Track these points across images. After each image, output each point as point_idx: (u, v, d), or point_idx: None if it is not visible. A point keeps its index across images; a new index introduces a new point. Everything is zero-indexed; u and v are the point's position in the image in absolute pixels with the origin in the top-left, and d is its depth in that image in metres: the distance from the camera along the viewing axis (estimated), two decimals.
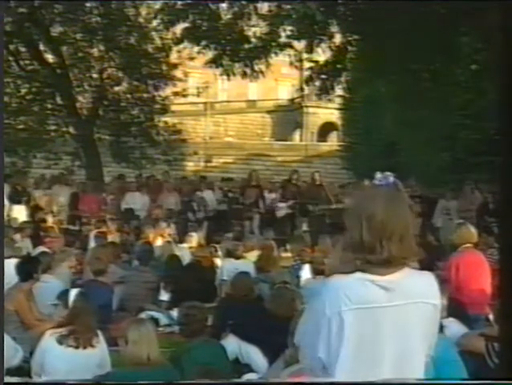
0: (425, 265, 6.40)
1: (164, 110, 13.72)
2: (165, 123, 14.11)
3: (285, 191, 9.12)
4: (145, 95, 13.19)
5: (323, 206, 8.66)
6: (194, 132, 33.57)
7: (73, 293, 3.50)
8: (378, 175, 1.52)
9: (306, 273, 5.47)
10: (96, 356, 3.20)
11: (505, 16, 2.10)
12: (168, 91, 13.98)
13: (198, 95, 15.52)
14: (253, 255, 6.15)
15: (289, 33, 10.35)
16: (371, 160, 16.22)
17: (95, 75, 12.69)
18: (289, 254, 5.87)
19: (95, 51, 12.49)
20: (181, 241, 7.14)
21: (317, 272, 5.18)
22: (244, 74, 10.68)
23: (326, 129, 33.99)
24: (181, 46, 12.03)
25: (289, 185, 9.14)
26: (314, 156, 28.45)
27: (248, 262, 5.86)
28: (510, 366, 2.04)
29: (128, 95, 13.10)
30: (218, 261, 6.17)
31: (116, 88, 13.00)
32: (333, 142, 31.68)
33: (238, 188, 9.68)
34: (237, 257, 5.92)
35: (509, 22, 2.05)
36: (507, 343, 2.08)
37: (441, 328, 3.27)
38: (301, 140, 33.82)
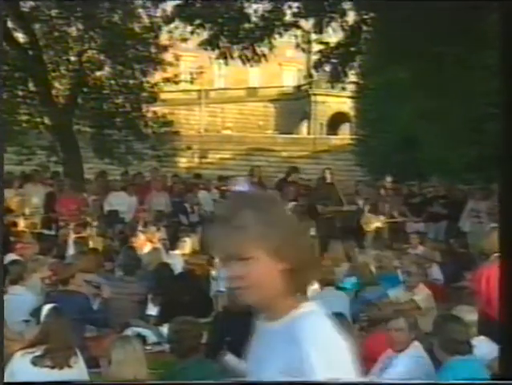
0: (451, 276, 6.44)
1: (153, 98, 13.72)
2: (154, 113, 14.12)
3: (286, 191, 9.14)
4: (131, 82, 13.17)
5: (333, 207, 8.66)
6: (187, 124, 33.65)
7: (47, 307, 3.49)
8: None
9: (313, 283, 5.45)
10: (74, 377, 3.19)
11: None
12: (157, 76, 13.96)
13: (192, 81, 15.53)
14: None
15: (295, 10, 10.32)
16: (388, 155, 16.21)
17: (73, 58, 12.61)
18: None
19: (72, 30, 12.42)
20: (173, 248, 7.14)
21: (326, 282, 5.16)
22: (244, 58, 10.65)
23: (337, 120, 34.03)
24: (172, 25, 12.01)
25: (288, 184, 9.14)
26: (323, 151, 28.46)
27: None
28: (510, 366, 2.20)
29: (112, 81, 13.08)
30: (214, 270, 6.17)
31: (98, 73, 12.96)
32: (345, 135, 31.71)
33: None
34: None
35: None
36: (507, 343, 2.27)
37: (470, 347, 3.28)
38: (308, 133, 33.87)
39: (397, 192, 10.45)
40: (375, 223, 8.57)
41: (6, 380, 3.13)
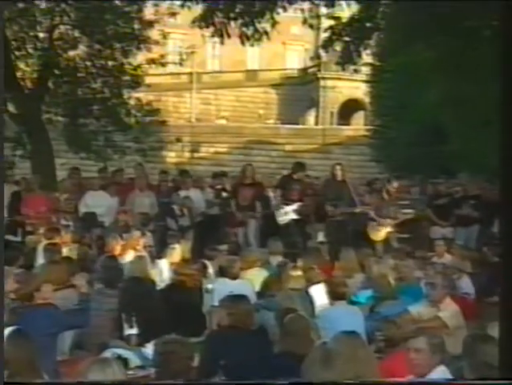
0: (483, 289, 6.46)
1: (136, 83, 13.75)
2: (138, 100, 14.15)
3: (290, 190, 9.16)
4: (110, 63, 13.15)
5: (344, 209, 8.68)
6: (176, 113, 33.72)
7: (9, 329, 3.46)
8: None
9: (322, 297, 5.50)
10: None
11: None
12: (141, 57, 13.98)
13: (181, 63, 15.51)
14: (253, 274, 6.20)
15: None
16: (410, 148, 16.23)
17: (41, 35, 12.55)
18: (299, 273, 5.90)
19: (41, 1, 12.39)
20: (160, 256, 7.17)
21: (337, 296, 5.18)
22: (242, 36, 10.60)
23: (349, 108, 34.10)
24: None
25: (292, 182, 9.17)
26: (333, 144, 28.53)
27: (247, 283, 5.91)
28: (510, 366, 2.45)
29: (88, 63, 13.06)
30: (208, 282, 6.20)
31: (71, 53, 12.90)
32: (359, 125, 31.76)
33: (234, 185, 9.73)
34: (233, 277, 5.95)
35: None
36: (507, 343, 2.53)
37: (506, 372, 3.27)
38: (316, 123, 33.91)
39: (421, 192, 10.49)
40: (393, 228, 8.60)
41: None
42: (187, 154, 28.38)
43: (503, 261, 2.96)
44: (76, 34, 12.76)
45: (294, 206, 9.01)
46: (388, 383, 3.71)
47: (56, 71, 12.76)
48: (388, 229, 8.62)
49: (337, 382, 3.18)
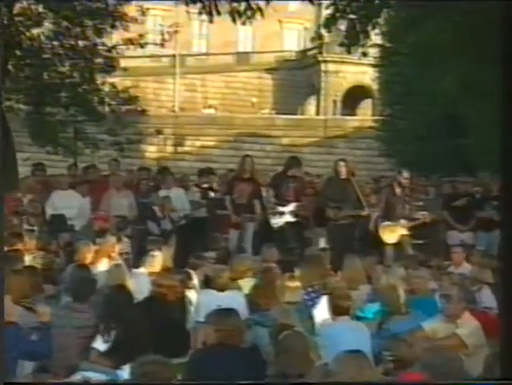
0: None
1: (111, 66, 13.73)
2: (113, 86, 14.14)
3: (285, 188, 9.19)
4: (81, 43, 13.14)
5: (349, 211, 8.73)
6: (157, 101, 33.70)
7: None
8: None
9: (323, 311, 5.51)
10: None
11: None
12: (116, 37, 13.96)
13: (163, 44, 15.50)
14: (245, 285, 6.20)
15: None
16: (423, 142, 16.27)
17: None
18: (298, 283, 5.92)
19: None
20: (137, 264, 7.17)
21: (340, 310, 5.20)
22: (233, 13, 10.57)
23: (355, 96, 34.19)
24: None
25: (288, 180, 9.19)
26: (337, 137, 28.61)
27: (237, 295, 5.92)
28: (510, 366, 2.77)
29: (55, 42, 13.02)
30: (193, 294, 6.21)
31: (35, 31, 12.84)
32: (365, 115, 31.86)
33: (224, 184, 9.74)
34: (222, 288, 5.96)
35: None
36: (507, 343, 2.84)
37: None
38: (317, 113, 34.00)
39: (436, 192, 10.53)
40: (404, 232, 8.64)
41: None
42: (169, 148, 28.37)
43: (503, 262, 3.22)
44: (40, 9, 12.70)
45: (290, 207, 9.03)
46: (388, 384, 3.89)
47: (17, 52, 12.70)
48: (399, 234, 8.65)
49: (337, 382, 3.35)
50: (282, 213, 9.05)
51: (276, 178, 9.71)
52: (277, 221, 9.02)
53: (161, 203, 9.45)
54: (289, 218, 9.03)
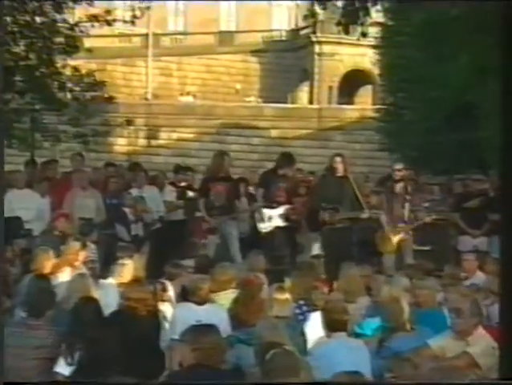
0: None
1: (74, 47, 13.67)
2: (75, 69, 14.08)
3: (275, 189, 9.21)
4: (39, 20, 13.09)
5: (346, 213, 8.78)
6: (127, 87, 33.61)
7: None
8: None
9: (316, 327, 5.52)
10: None
11: None
12: (79, 13, 13.89)
13: (133, 21, 15.46)
14: (226, 297, 6.21)
15: None
16: (431, 134, 16.32)
17: None
18: (287, 295, 5.94)
19: None
20: (105, 274, 7.16)
21: (335, 325, 5.22)
22: None
23: (353, 82, 34.29)
24: None
25: (278, 179, 9.23)
26: (333, 129, 28.70)
27: (218, 309, 5.94)
28: (510, 366, 3.10)
29: (8, 18, 12.92)
30: (168, 308, 6.22)
31: None
32: (365, 104, 31.95)
33: (204, 182, 9.74)
34: (201, 301, 5.97)
35: None
36: (507, 343, 3.20)
37: None
38: (311, 102, 34.07)
39: (446, 191, 10.58)
40: (408, 237, 8.68)
41: None
42: (141, 141, 28.33)
43: (502, 261, 3.56)
44: None
45: (280, 210, 9.06)
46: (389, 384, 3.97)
47: None
48: (403, 240, 8.70)
49: (337, 382, 3.52)
50: (271, 216, 9.07)
51: (265, 177, 9.74)
52: (265, 226, 9.04)
53: (133, 204, 9.44)
54: (279, 222, 9.05)
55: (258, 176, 10.43)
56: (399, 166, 9.10)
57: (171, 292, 6.62)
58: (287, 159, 9.62)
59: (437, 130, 16.07)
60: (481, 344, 5.03)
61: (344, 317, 5.29)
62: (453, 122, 15.47)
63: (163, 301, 6.32)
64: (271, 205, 9.12)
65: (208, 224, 9.16)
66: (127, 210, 9.45)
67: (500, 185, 3.48)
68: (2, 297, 5.51)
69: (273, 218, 9.09)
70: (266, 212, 9.10)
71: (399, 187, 8.93)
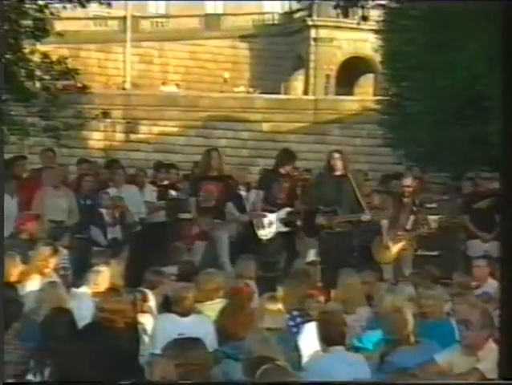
0: None
1: (43, 30, 13.62)
2: (45, 56, 14.04)
3: (276, 189, 9.21)
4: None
5: (345, 216, 8.81)
6: (103, 75, 33.54)
7: None
8: None
9: (311, 340, 5.54)
10: None
11: None
12: None
13: (109, 2, 15.47)
14: (213, 308, 6.24)
15: None
16: (439, 128, 16.35)
17: None
18: (280, 306, 5.95)
19: None
20: (78, 283, 7.17)
21: (332, 339, 5.23)
22: None
23: (353, 70, 34.34)
24: None
25: (277, 180, 9.23)
26: (331, 122, 28.73)
27: (204, 321, 5.96)
28: (510, 366, 3.39)
29: None
30: (148, 319, 6.23)
31: None
32: (366, 95, 32.00)
33: (194, 179, 9.74)
34: (185, 312, 5.98)
35: None
36: (507, 343, 3.51)
37: None
38: (306, 92, 34.10)
39: (455, 191, 10.62)
40: (415, 242, 8.71)
41: None
42: (119, 135, 28.29)
43: (502, 259, 3.77)
44: None
45: (282, 213, 9.10)
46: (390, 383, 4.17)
47: None
48: (407, 244, 8.72)
49: (337, 382, 3.66)
50: (271, 222, 9.11)
51: (265, 177, 9.75)
52: (266, 232, 9.08)
53: (110, 204, 9.44)
54: (280, 227, 9.09)
55: (248, 174, 10.44)
56: (408, 181, 9.12)
57: (152, 302, 6.62)
58: (289, 156, 9.65)
59: (445, 123, 16.09)
60: (493, 359, 5.06)
61: (342, 329, 5.32)
62: (462, 114, 15.49)
63: (143, 312, 6.33)
64: (272, 209, 9.15)
65: (197, 227, 9.14)
66: (103, 211, 9.45)
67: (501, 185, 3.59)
68: None
69: (273, 223, 9.12)
70: (267, 214, 9.13)
71: (407, 200, 9.01)
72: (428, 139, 16.96)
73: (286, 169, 9.37)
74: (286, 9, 36.92)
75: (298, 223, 9.27)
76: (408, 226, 8.86)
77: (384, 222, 8.86)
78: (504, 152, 3.66)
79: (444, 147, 15.98)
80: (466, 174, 11.10)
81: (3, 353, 4.00)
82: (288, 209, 9.18)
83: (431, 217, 8.98)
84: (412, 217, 8.89)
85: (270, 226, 9.13)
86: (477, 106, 14.81)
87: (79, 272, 7.75)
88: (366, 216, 8.81)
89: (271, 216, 9.14)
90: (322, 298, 6.82)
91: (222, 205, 9.20)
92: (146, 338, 5.96)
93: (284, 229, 9.15)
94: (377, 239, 8.77)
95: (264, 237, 9.13)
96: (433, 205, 9.69)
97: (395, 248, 8.70)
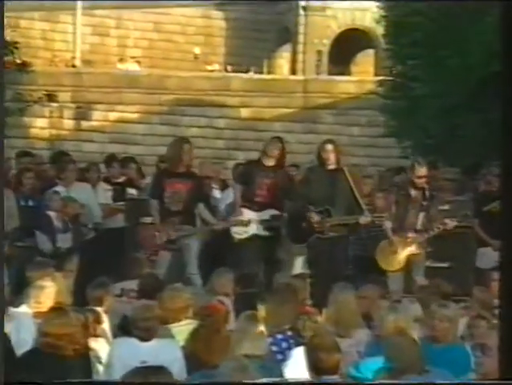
0: None
1: None
2: None
3: (252, 183, 9.23)
4: None
5: (340, 218, 8.84)
6: (48, 49, 33.38)
7: None
8: None
9: (299, 369, 5.56)
10: None
11: None
12: None
13: None
14: (181, 330, 6.26)
15: None
16: (451, 115, 16.40)
17: None
18: (262, 327, 5.96)
19: None
20: (17, 301, 7.16)
21: (324, 366, 5.25)
22: None
23: (350, 45, 34.42)
24: None
25: (257, 170, 9.29)
26: (323, 107, 28.76)
27: (170, 346, 5.97)
28: (510, 366, 3.89)
29: None
30: (102, 345, 6.23)
31: None
32: (365, 74, 32.06)
33: (157, 178, 9.71)
34: (147, 335, 5.99)
35: None
36: (507, 343, 3.98)
37: None
38: (293, 71, 34.12)
39: (470, 190, 10.66)
40: (420, 250, 8.75)
41: None
42: (68, 123, 28.18)
43: (502, 258, 4.17)
44: None
45: (264, 214, 9.10)
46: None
47: None
48: (414, 254, 8.75)
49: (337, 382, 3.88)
50: (250, 221, 9.10)
51: (245, 169, 9.76)
52: (241, 231, 9.06)
53: (59, 206, 9.39)
54: (259, 230, 9.08)
55: (224, 170, 10.43)
56: (421, 171, 9.07)
57: (106, 324, 6.62)
58: (278, 145, 9.62)
59: (458, 108, 16.14)
60: None
61: (335, 355, 5.32)
62: (478, 99, 15.55)
63: (96, 336, 6.32)
64: (252, 207, 9.14)
65: (162, 233, 9.09)
66: (52, 214, 9.40)
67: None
68: None
69: (252, 223, 9.11)
70: (245, 213, 9.11)
71: (414, 192, 8.98)
72: (439, 127, 17.02)
73: (272, 161, 9.39)
74: None
75: (283, 228, 9.29)
76: (419, 226, 8.86)
77: (388, 223, 8.85)
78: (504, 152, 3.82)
79: (456, 138, 16.04)
80: (480, 170, 11.16)
81: (3, 353, 4.48)
82: (272, 211, 9.19)
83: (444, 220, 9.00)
84: (422, 215, 8.89)
85: (247, 225, 9.12)
86: (496, 90, 14.89)
87: (17, 287, 7.73)
88: (365, 219, 8.84)
89: (251, 215, 9.14)
90: (312, 318, 6.83)
91: (192, 208, 9.16)
92: (100, 368, 5.95)
93: (265, 234, 9.15)
94: (382, 243, 8.77)
95: (238, 236, 9.12)
96: (447, 207, 9.74)
97: (404, 253, 8.70)
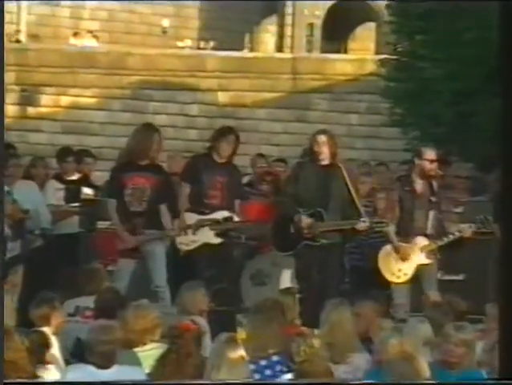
0: None
1: None
2: None
3: (211, 183, 9.32)
4: None
5: (336, 223, 8.89)
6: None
7: None
8: None
9: None
10: None
11: None
12: None
13: None
14: (146, 355, 6.32)
15: None
16: (465, 101, 16.46)
17: None
18: (242, 351, 5.97)
19: None
20: None
21: None
22: None
23: (346, 17, 34.53)
24: None
25: (209, 168, 9.36)
26: (315, 91, 28.81)
27: (133, 373, 6.00)
28: (510, 366, 4.57)
29: None
30: (52, 373, 6.22)
31: None
32: (365, 52, 32.18)
33: (115, 173, 9.70)
34: (105, 363, 5.99)
35: None
36: (507, 343, 4.66)
37: None
38: (280, 48, 34.17)
39: (487, 189, 10.72)
40: (429, 260, 8.78)
41: None
42: (12, 109, 28.11)
43: (502, 258, 4.79)
44: None
45: (217, 215, 9.13)
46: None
47: None
48: (424, 264, 8.79)
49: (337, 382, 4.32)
50: (196, 228, 9.11)
51: (193, 165, 9.76)
52: (188, 241, 9.08)
53: (6, 209, 9.38)
54: (209, 237, 9.09)
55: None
56: (431, 154, 9.04)
57: (56, 348, 6.62)
58: (228, 136, 9.67)
59: (475, 93, 16.20)
60: None
61: (329, 379, 5.35)
62: (494, 81, 15.60)
63: (45, 363, 6.31)
64: (200, 210, 9.16)
65: (123, 239, 9.08)
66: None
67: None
68: None
69: (200, 230, 9.12)
70: (192, 218, 9.12)
71: (421, 184, 8.99)
72: (451, 115, 17.07)
73: (224, 156, 9.44)
74: None
75: (261, 230, 9.34)
76: (429, 230, 8.87)
77: (391, 227, 8.86)
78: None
79: (472, 126, 16.10)
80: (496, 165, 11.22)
81: (3, 353, 5.12)
82: (224, 213, 9.22)
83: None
84: (431, 215, 8.90)
85: (194, 232, 9.14)
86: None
87: None
88: (363, 224, 8.85)
89: (200, 219, 9.17)
90: (301, 341, 6.84)
91: (157, 208, 9.12)
92: None
93: (214, 241, 9.16)
94: (386, 248, 8.79)
95: (184, 248, 9.15)
96: (458, 210, 9.77)
97: (412, 261, 8.73)
